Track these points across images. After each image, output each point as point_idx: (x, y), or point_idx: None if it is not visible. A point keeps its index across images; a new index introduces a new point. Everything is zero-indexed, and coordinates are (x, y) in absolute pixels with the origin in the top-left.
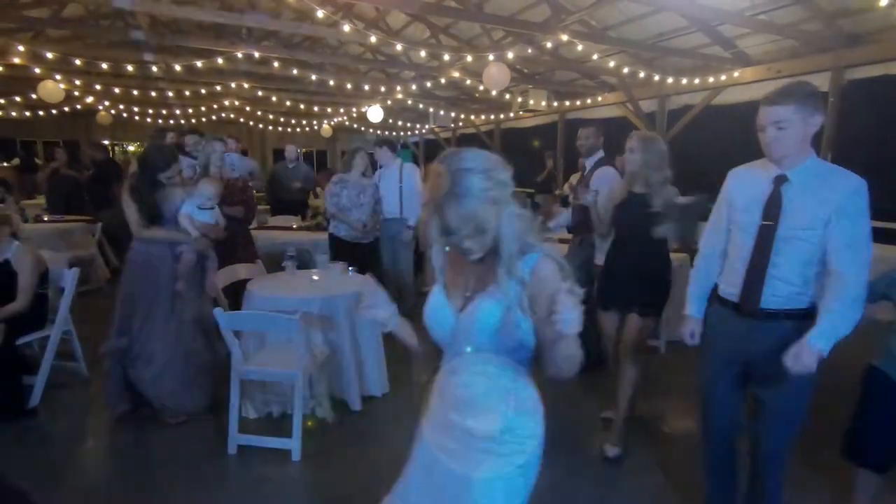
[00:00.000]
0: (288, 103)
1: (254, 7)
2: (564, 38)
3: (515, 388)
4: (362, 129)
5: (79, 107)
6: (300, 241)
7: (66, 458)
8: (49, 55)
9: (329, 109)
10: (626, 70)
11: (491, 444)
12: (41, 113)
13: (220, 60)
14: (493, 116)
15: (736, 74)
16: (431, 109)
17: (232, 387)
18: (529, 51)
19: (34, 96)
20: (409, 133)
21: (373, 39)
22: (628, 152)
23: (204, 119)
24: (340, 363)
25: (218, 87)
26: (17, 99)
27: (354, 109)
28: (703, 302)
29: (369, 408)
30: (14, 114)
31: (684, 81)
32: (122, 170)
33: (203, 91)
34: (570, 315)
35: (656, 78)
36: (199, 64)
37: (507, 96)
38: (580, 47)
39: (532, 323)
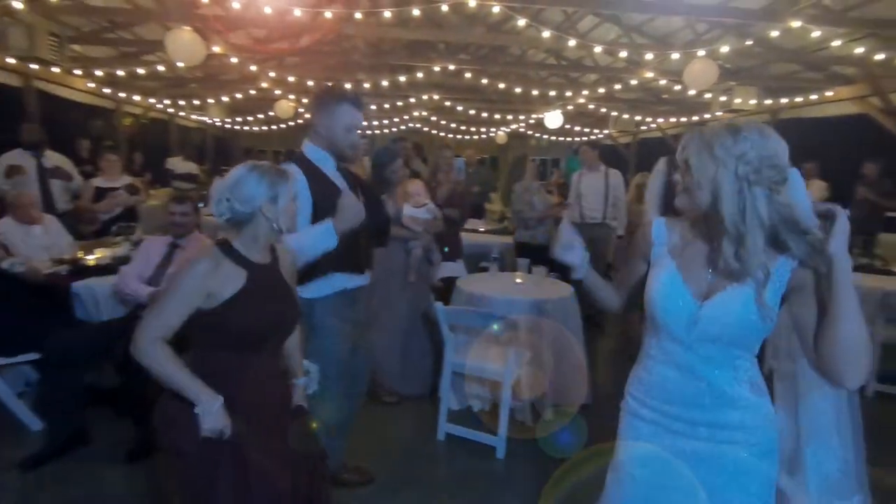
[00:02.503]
0: (471, 112)
1: (450, 22)
2: (795, 24)
3: (751, 375)
4: (536, 135)
5: (301, 121)
6: (485, 243)
7: None
8: (290, 79)
9: (510, 116)
10: (879, 57)
11: (741, 434)
12: (273, 127)
13: (419, 75)
14: (683, 119)
15: None
16: (614, 113)
17: (444, 377)
18: (749, 42)
19: (271, 113)
20: (583, 138)
21: (571, 43)
22: None
23: (395, 129)
24: (540, 368)
25: (412, 100)
26: (260, 116)
27: (533, 116)
28: None
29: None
30: (255, 128)
31: None
32: None
33: (399, 103)
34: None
35: None
36: (402, 79)
37: (708, 95)
38: (817, 33)
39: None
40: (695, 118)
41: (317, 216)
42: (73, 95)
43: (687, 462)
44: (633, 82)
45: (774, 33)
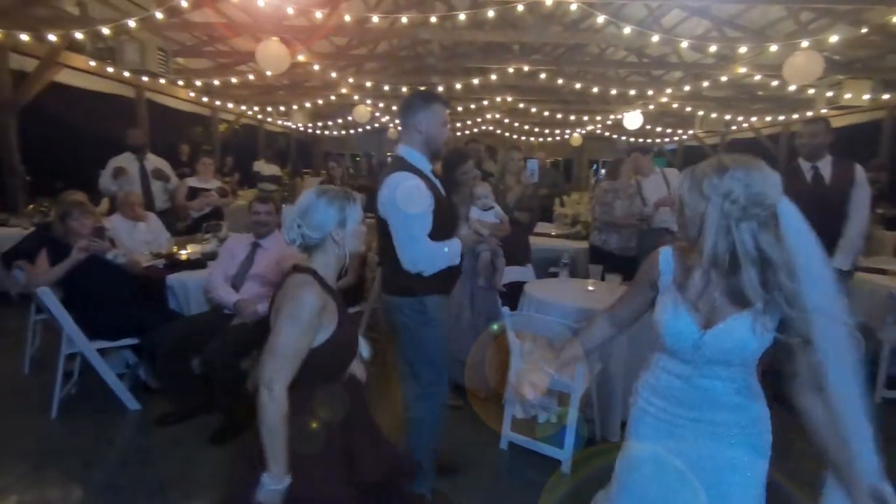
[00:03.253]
0: (546, 113)
1: (525, 23)
2: None
3: (748, 383)
4: (613, 136)
5: (377, 125)
6: (556, 247)
7: None
8: (368, 84)
9: (586, 118)
10: None
11: (737, 431)
12: (351, 131)
13: (493, 77)
14: (781, 117)
15: None
16: (700, 112)
17: (509, 384)
18: (864, 30)
19: (349, 118)
20: (665, 140)
21: (655, 39)
22: None
23: (467, 132)
24: (609, 383)
25: (485, 102)
26: (339, 121)
27: (611, 116)
28: None
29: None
30: (335, 132)
31: None
32: None
33: (472, 106)
34: None
35: None
36: (476, 81)
37: (812, 91)
38: None
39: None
40: (794, 116)
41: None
42: (176, 104)
43: (688, 456)
44: (724, 79)
45: None
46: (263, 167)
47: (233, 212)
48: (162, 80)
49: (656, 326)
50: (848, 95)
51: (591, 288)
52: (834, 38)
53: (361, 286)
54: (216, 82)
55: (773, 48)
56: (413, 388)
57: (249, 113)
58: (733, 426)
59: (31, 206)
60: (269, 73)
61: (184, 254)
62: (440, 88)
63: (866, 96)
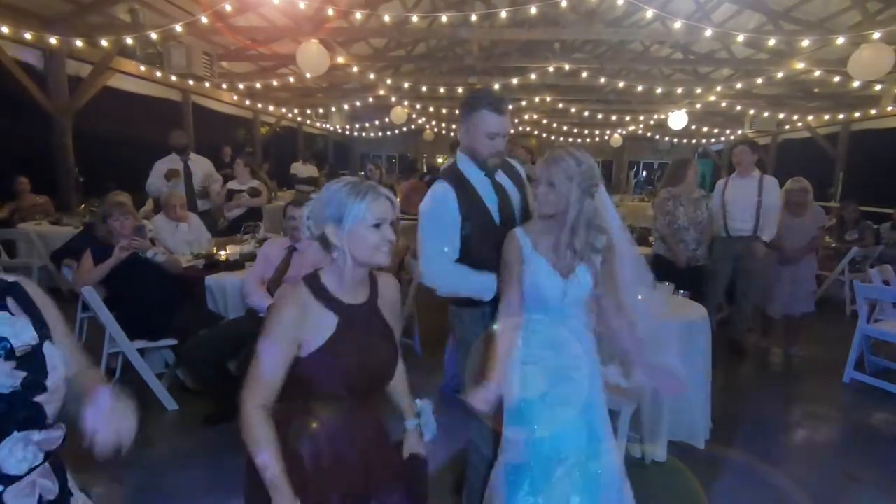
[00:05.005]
0: (586, 114)
1: (567, 20)
2: None
3: (587, 323)
4: (656, 136)
5: (413, 126)
6: None
7: None
8: (405, 85)
9: (628, 118)
10: None
11: (587, 358)
12: (388, 133)
13: (532, 76)
14: (840, 116)
15: None
16: (752, 111)
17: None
18: None
19: (386, 119)
20: (712, 140)
21: (708, 34)
22: None
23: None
24: (657, 403)
25: (523, 102)
26: (376, 122)
27: (655, 116)
28: None
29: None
30: (371, 134)
31: None
32: None
33: (510, 106)
34: None
35: None
36: (514, 81)
37: (879, 87)
38: None
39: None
40: (856, 114)
41: (462, 230)
42: (220, 107)
43: (565, 380)
44: (779, 75)
45: None
46: (300, 169)
47: (270, 213)
48: (207, 84)
49: (529, 287)
50: None
51: (640, 297)
52: None
53: None
54: (258, 85)
55: (840, 41)
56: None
57: (290, 115)
58: (586, 354)
59: (83, 206)
60: (308, 75)
61: (223, 255)
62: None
63: None
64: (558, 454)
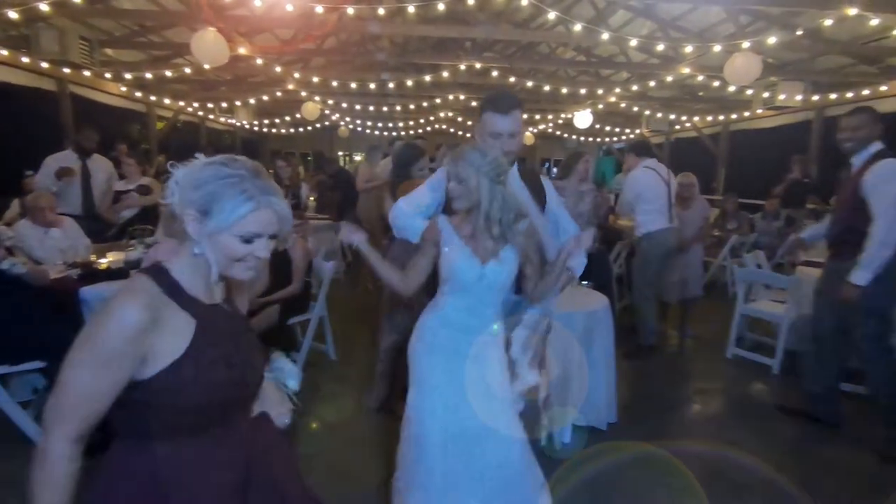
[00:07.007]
0: None
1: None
2: (851, 11)
3: (503, 300)
4: (565, 135)
5: (327, 123)
6: None
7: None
8: (315, 79)
9: (538, 116)
10: None
11: (496, 338)
12: (301, 129)
13: (445, 74)
14: (721, 117)
15: None
16: (647, 112)
17: None
18: (800, 31)
19: (298, 115)
20: (615, 139)
21: (605, 37)
22: None
23: (420, 130)
24: (568, 385)
25: (438, 100)
26: (287, 118)
27: (562, 115)
28: None
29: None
30: (283, 130)
31: None
32: (352, 177)
33: (425, 104)
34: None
35: None
36: (427, 78)
37: (750, 92)
38: (875, 21)
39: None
40: (733, 116)
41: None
42: (107, 99)
43: (473, 363)
44: (669, 79)
45: (827, 22)
46: None
47: (167, 214)
48: (87, 73)
49: (448, 272)
50: (782, 96)
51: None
52: (772, 40)
53: (307, 295)
54: (149, 75)
55: (717, 48)
56: None
57: (189, 109)
58: (497, 334)
59: None
60: (206, 66)
61: (103, 262)
62: (391, 86)
63: (798, 97)
64: (463, 432)
